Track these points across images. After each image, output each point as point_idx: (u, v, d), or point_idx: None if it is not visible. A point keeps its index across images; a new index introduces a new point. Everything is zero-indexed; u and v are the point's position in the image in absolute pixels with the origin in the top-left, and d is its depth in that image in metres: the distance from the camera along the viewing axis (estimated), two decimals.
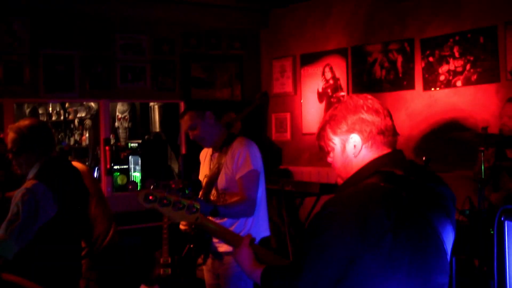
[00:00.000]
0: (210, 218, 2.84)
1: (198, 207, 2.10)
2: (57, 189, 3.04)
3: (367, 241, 1.58)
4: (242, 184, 3.13)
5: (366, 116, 1.76)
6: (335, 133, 1.80)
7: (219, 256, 3.25)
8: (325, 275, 1.62)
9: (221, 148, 3.31)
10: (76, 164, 3.87)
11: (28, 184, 2.98)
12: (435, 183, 1.78)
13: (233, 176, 3.17)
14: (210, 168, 3.37)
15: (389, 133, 1.79)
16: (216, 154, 3.33)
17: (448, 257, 1.75)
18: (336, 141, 1.81)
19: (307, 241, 1.68)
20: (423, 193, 1.71)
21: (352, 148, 1.78)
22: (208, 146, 3.45)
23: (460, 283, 4.09)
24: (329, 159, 1.86)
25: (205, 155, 3.51)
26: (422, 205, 1.68)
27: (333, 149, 1.82)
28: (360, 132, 1.76)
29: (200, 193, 3.34)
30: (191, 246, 3.31)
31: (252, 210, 3.12)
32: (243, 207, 3.09)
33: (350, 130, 1.77)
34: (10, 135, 3.06)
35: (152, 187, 2.09)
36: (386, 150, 1.78)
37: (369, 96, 1.83)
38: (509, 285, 3.08)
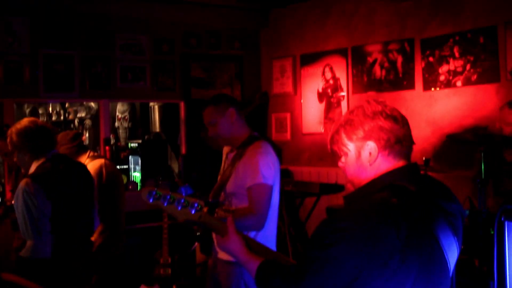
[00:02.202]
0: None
1: (202, 205, 2.06)
2: (50, 188, 3.12)
3: (375, 260, 1.55)
4: (251, 197, 2.92)
5: (384, 123, 1.69)
6: (350, 138, 1.73)
7: (218, 261, 3.11)
8: (328, 285, 1.60)
9: (238, 148, 3.11)
10: (107, 162, 3.93)
11: (22, 183, 3.08)
12: (446, 199, 1.74)
13: (242, 183, 2.98)
14: (223, 168, 3.21)
15: (407, 143, 1.73)
16: (232, 155, 3.14)
17: (450, 274, 1.73)
18: (350, 147, 1.74)
19: (313, 250, 1.63)
20: (434, 211, 1.67)
21: (367, 155, 1.71)
22: (224, 145, 3.25)
23: (460, 283, 4.09)
24: (341, 164, 1.79)
25: (227, 151, 3.29)
26: (432, 224, 1.65)
27: (346, 154, 1.76)
28: (377, 140, 1.70)
29: (210, 194, 3.20)
30: (197, 243, 3.22)
31: (260, 225, 2.92)
32: (250, 221, 2.89)
33: (367, 137, 1.70)
34: (8, 138, 3.22)
35: (158, 184, 2.08)
36: (401, 161, 1.73)
37: (387, 103, 1.77)
38: (509, 285, 3.08)
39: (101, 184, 3.86)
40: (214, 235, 3.11)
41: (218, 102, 3.13)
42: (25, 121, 3.26)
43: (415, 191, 1.65)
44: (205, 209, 2.06)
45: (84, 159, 3.97)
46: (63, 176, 3.23)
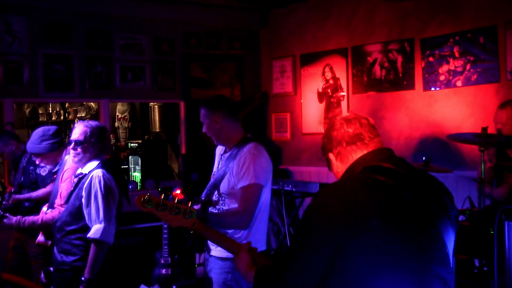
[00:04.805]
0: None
1: (195, 212, 2.13)
2: (117, 179, 3.37)
3: (352, 226, 1.60)
4: (242, 195, 3.03)
5: (342, 128, 1.93)
6: (328, 150, 1.99)
7: (211, 258, 3.21)
8: (312, 262, 1.65)
9: (232, 149, 3.21)
10: None
11: (96, 173, 3.27)
12: (426, 178, 1.82)
13: (235, 183, 3.08)
14: (217, 168, 3.31)
15: (370, 135, 1.92)
16: (226, 155, 3.23)
17: (449, 251, 1.74)
18: (331, 156, 1.99)
19: (296, 233, 1.77)
20: (414, 185, 1.73)
21: (335, 161, 1.96)
22: (216, 144, 3.36)
23: (460, 283, 4.09)
24: (331, 171, 2.00)
25: (220, 151, 3.39)
26: (412, 196, 1.69)
27: (331, 162, 1.99)
28: (340, 143, 1.93)
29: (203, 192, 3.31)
30: (190, 242, 3.31)
31: (247, 223, 3.03)
32: (237, 218, 3.00)
33: (335, 145, 1.95)
34: (80, 127, 3.34)
35: (148, 193, 2.16)
36: (371, 148, 1.90)
37: (348, 112, 2.04)
38: (509, 285, 3.08)
39: None
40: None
41: (208, 105, 3.25)
42: (98, 122, 3.46)
43: (391, 168, 1.76)
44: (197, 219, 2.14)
45: (65, 155, 3.96)
46: (119, 173, 3.49)
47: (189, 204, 2.23)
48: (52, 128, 4.07)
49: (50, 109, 9.85)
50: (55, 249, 3.34)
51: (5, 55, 5.65)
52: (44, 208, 3.88)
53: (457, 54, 5.39)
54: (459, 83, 5.40)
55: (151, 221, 5.66)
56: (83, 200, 3.23)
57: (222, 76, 7.05)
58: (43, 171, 4.54)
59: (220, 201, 3.17)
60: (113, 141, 8.34)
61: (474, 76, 5.28)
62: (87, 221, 3.22)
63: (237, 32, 7.13)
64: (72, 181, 3.43)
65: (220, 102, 3.31)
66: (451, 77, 5.45)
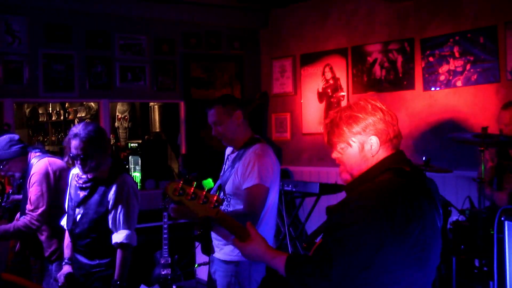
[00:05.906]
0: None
1: (220, 201, 2.14)
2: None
3: (395, 229, 1.71)
4: (247, 197, 2.96)
5: (384, 118, 1.88)
6: (352, 132, 1.89)
7: (215, 260, 3.18)
8: (356, 262, 1.72)
9: (239, 149, 3.16)
10: (51, 160, 3.87)
11: (122, 180, 3.23)
12: (426, 178, 1.93)
13: (240, 185, 3.02)
14: (224, 169, 3.25)
15: (400, 137, 1.94)
16: (233, 156, 3.18)
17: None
18: (353, 140, 1.89)
19: (335, 233, 1.76)
20: (425, 187, 1.87)
21: (369, 148, 1.88)
22: (227, 145, 3.29)
23: (460, 283, 4.09)
24: (337, 155, 1.94)
25: (228, 151, 3.34)
26: (427, 197, 1.84)
27: (347, 147, 1.91)
28: (379, 134, 1.88)
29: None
30: (201, 242, 3.27)
31: None
32: (241, 221, 2.98)
33: (370, 132, 1.88)
34: (77, 142, 3.13)
35: (182, 181, 2.15)
36: (393, 151, 1.92)
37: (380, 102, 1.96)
38: (509, 285, 3.08)
39: (50, 185, 3.79)
40: (212, 234, 3.15)
41: (226, 102, 3.15)
42: (88, 123, 3.27)
43: (410, 171, 1.85)
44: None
45: (30, 159, 3.95)
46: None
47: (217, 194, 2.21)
48: (16, 135, 4.04)
49: (50, 109, 9.85)
50: (80, 256, 3.30)
51: (5, 55, 5.65)
52: (18, 215, 3.86)
53: (457, 54, 5.39)
54: (459, 83, 5.40)
55: (151, 221, 5.67)
56: (109, 207, 3.20)
57: (222, 76, 7.05)
58: None
59: (225, 202, 3.11)
60: (113, 141, 8.34)
61: (474, 76, 5.28)
62: (110, 226, 3.20)
63: (237, 32, 7.13)
64: (77, 184, 3.34)
65: (237, 100, 3.28)
66: (451, 77, 5.45)
